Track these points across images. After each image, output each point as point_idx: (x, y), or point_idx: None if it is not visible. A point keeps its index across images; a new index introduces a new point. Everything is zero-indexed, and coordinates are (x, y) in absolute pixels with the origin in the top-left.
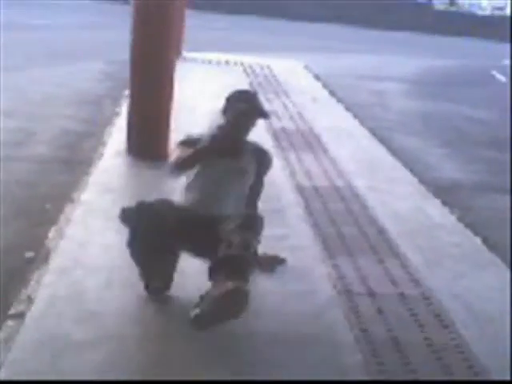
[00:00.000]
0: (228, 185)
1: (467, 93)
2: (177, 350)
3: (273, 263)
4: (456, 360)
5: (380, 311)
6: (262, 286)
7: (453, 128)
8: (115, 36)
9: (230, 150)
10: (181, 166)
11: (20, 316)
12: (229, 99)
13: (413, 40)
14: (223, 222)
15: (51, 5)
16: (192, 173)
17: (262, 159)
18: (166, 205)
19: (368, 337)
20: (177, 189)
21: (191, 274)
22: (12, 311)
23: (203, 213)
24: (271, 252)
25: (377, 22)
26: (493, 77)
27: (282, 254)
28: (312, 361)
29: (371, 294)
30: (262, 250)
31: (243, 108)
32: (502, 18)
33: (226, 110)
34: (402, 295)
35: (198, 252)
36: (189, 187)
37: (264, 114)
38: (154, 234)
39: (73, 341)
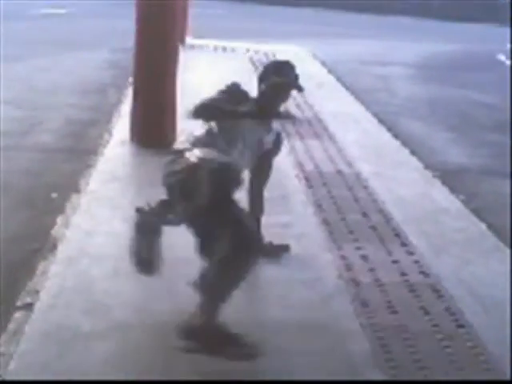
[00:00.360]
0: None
1: (473, 77)
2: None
3: (278, 251)
4: (463, 347)
5: (386, 298)
6: (267, 274)
7: (458, 112)
8: (120, 24)
9: (261, 120)
10: (209, 113)
11: (28, 307)
12: (266, 69)
13: (418, 25)
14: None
15: None
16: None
17: (278, 141)
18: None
19: (374, 325)
20: None
21: None
22: (19, 303)
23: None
24: (276, 240)
25: (381, 8)
26: (498, 61)
27: (287, 242)
28: (319, 349)
29: (377, 281)
30: (267, 237)
31: (277, 81)
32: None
33: (262, 80)
34: (408, 282)
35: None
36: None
37: (298, 87)
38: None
39: (81, 331)
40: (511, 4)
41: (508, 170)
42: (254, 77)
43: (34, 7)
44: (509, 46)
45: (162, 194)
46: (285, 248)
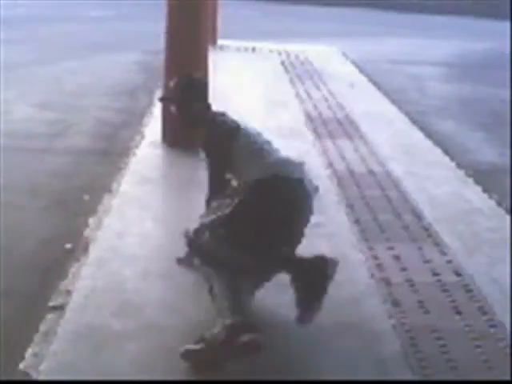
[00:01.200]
0: None
1: (505, 76)
2: None
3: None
4: (495, 347)
5: (418, 299)
6: None
7: (490, 111)
8: (150, 26)
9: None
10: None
11: (60, 308)
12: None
13: (449, 23)
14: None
15: None
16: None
17: None
18: None
19: (406, 325)
20: None
21: None
22: (52, 303)
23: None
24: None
25: (412, 6)
26: None
27: (319, 242)
28: (351, 349)
29: (409, 281)
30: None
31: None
32: None
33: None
34: (440, 282)
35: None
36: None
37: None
38: None
39: (112, 332)
40: (511, 2)
41: None
42: (285, 78)
43: (58, 11)
44: None
45: (191, 195)
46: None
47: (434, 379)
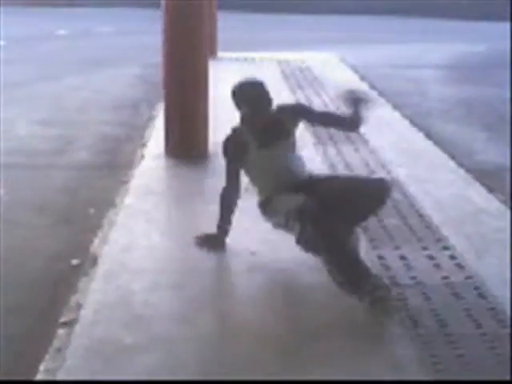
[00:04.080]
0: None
1: (505, 75)
2: (228, 351)
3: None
4: (507, 350)
5: (429, 301)
6: (307, 280)
7: (493, 111)
8: (149, 40)
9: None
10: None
11: (71, 324)
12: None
13: (446, 26)
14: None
15: (83, 14)
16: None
17: (293, 111)
18: None
19: (419, 328)
20: (217, 187)
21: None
22: (62, 319)
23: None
24: None
25: (408, 10)
26: None
27: None
28: (365, 354)
29: (419, 284)
30: None
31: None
32: None
33: (238, 104)
34: (450, 284)
35: None
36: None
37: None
38: None
39: (124, 346)
40: (511, 2)
41: None
42: (285, 86)
43: (58, 28)
44: None
45: (195, 206)
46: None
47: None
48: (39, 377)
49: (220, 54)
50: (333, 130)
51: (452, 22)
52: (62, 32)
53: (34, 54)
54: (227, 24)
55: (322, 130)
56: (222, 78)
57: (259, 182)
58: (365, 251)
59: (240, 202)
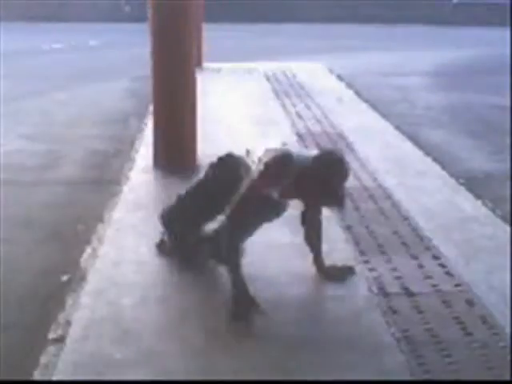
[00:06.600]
0: None
1: (490, 81)
2: (219, 364)
3: (342, 273)
4: (499, 354)
5: (418, 310)
6: (297, 291)
7: (479, 118)
8: (137, 53)
9: None
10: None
11: (60, 340)
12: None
13: (430, 33)
14: None
15: (70, 28)
16: None
17: None
18: None
19: (408, 337)
20: None
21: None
22: (51, 335)
23: None
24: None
25: (393, 19)
26: None
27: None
28: (354, 363)
29: (408, 293)
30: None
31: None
32: None
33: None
34: (439, 292)
35: None
36: None
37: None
38: None
39: (114, 361)
40: (511, 6)
41: None
42: (272, 96)
43: (44, 42)
44: None
45: None
46: (349, 270)
47: None
48: None
49: (206, 64)
50: (321, 142)
51: (436, 28)
52: (48, 46)
53: (21, 69)
54: (211, 34)
55: (310, 141)
56: (210, 90)
57: None
58: (354, 259)
59: None
